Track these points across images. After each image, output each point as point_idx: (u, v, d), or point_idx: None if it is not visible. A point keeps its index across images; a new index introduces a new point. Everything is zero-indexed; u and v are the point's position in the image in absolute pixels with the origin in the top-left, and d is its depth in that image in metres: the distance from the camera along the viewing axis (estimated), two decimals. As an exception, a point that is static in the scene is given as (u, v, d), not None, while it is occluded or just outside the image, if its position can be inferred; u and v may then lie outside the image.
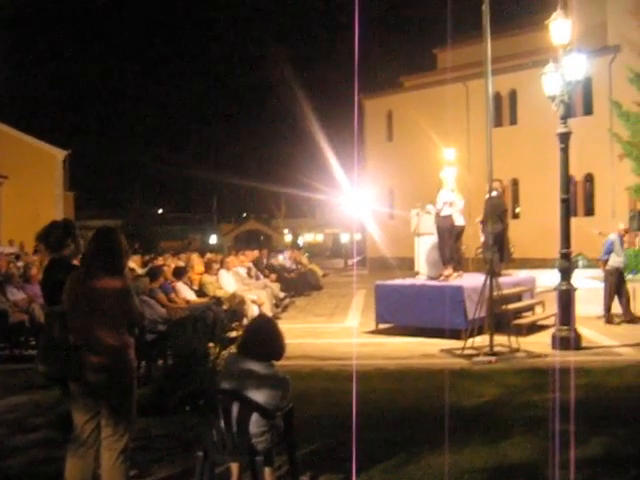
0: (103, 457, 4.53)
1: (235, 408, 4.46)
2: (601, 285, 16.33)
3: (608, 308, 13.97)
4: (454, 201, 13.17)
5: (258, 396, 4.48)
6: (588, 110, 28.57)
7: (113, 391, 4.48)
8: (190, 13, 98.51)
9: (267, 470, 4.53)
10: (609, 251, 14.07)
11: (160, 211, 65.45)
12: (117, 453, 4.51)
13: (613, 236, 14.29)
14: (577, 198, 28.91)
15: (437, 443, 6.00)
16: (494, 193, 12.79)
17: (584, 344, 11.12)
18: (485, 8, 10.72)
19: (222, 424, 4.49)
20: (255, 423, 4.47)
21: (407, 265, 24.18)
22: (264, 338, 4.66)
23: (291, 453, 4.89)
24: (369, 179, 36.02)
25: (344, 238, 50.08)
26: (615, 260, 13.99)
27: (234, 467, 4.86)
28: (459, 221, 13.46)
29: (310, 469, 5.48)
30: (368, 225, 35.44)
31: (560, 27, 10.80)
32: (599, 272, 18.66)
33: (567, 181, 11.23)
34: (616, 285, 13.97)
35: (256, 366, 4.57)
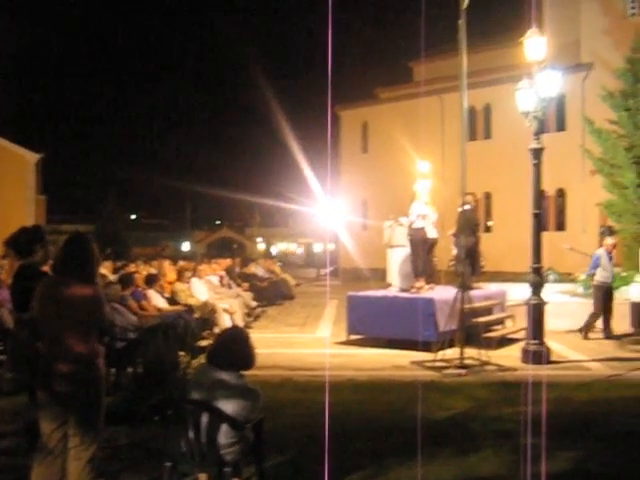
0: (70, 467, 4.47)
1: (204, 419, 4.43)
2: (571, 299, 16.54)
3: (588, 323, 13.97)
4: (427, 214, 13.21)
5: (228, 407, 4.46)
6: (561, 126, 28.92)
7: (81, 400, 4.43)
8: (168, 22, 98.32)
9: (234, 481, 4.52)
10: (596, 266, 14.08)
11: (133, 217, 65.17)
12: (84, 463, 4.45)
13: (600, 251, 14.31)
14: (549, 213, 29.20)
15: (406, 456, 6.01)
16: (467, 207, 12.88)
17: (553, 358, 11.20)
18: (461, 23, 10.83)
19: (191, 434, 4.46)
20: (224, 434, 4.44)
21: (380, 276, 24.25)
22: (234, 348, 4.64)
23: (260, 465, 4.86)
24: (343, 190, 36.11)
25: (317, 248, 50.13)
26: (601, 275, 14.00)
27: (202, 478, 4.82)
28: (432, 234, 13.50)
29: (279, 480, 5.47)
30: (341, 235, 35.50)
31: (535, 44, 10.92)
32: (569, 286, 18.91)
33: (539, 196, 11.34)
34: (602, 300, 14.01)
35: (226, 376, 4.55)
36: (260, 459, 4.84)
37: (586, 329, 13.91)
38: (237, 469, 4.53)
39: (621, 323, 14.76)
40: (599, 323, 14.33)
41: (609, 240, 14.83)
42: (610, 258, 14.20)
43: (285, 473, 5.69)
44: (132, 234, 54.93)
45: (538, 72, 10.99)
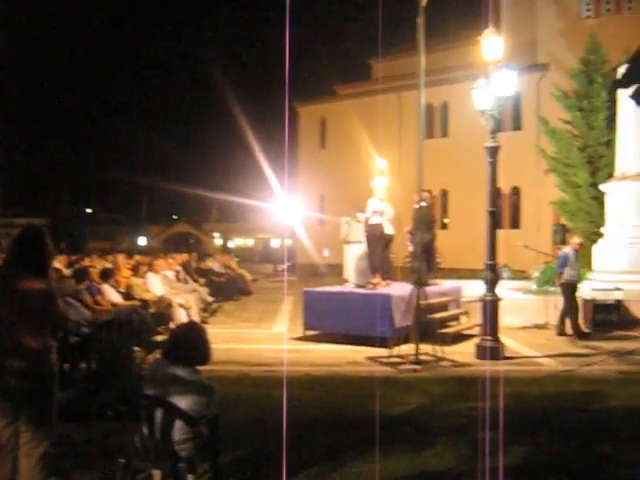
0: (22, 464, 4.40)
1: (159, 414, 4.40)
2: (524, 296, 16.78)
3: (562, 321, 14.06)
4: (384, 210, 13.29)
5: (182, 402, 4.44)
6: (517, 125, 29.30)
7: (33, 396, 4.36)
8: (123, 12, 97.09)
9: (189, 477, 4.49)
10: (564, 264, 14.14)
11: (89, 211, 64.36)
12: (36, 459, 4.39)
13: (568, 250, 14.37)
14: (504, 211, 29.57)
15: (362, 451, 6.05)
16: (423, 203, 12.97)
17: (507, 354, 11.34)
18: (420, 21, 10.89)
19: (145, 430, 4.43)
20: (179, 430, 4.42)
21: (337, 272, 24.31)
22: (191, 343, 4.61)
23: (215, 461, 4.84)
24: (301, 185, 36.16)
25: (275, 243, 50.09)
26: (569, 273, 14.06)
27: (156, 474, 4.79)
28: (388, 230, 13.59)
29: (234, 476, 5.45)
30: (299, 231, 35.52)
31: (491, 44, 11.02)
32: (523, 284, 19.16)
33: (495, 194, 11.46)
34: (571, 298, 14.08)
35: (181, 372, 4.52)
36: (215, 455, 4.83)
37: (560, 328, 14.00)
38: (192, 465, 4.51)
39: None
40: (553, 320, 14.58)
41: (576, 239, 14.90)
42: (577, 257, 14.30)
43: (241, 469, 5.68)
44: (87, 228, 54.33)
45: (494, 71, 11.11)
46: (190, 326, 5.04)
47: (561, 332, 13.98)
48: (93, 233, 55.29)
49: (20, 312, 4.35)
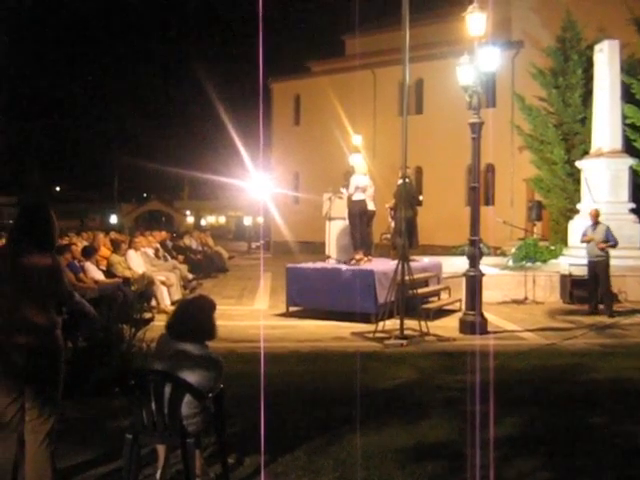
0: (27, 440, 4.35)
1: (167, 389, 4.37)
2: (501, 272, 16.94)
3: (599, 299, 13.64)
4: (367, 186, 13.30)
5: (191, 377, 4.42)
6: (492, 103, 29.33)
7: (40, 372, 4.32)
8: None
9: (197, 452, 4.50)
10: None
11: (58, 189, 63.65)
12: (43, 436, 4.34)
13: (605, 224, 13.83)
14: (479, 188, 29.64)
15: (357, 424, 6.09)
16: (407, 180, 13.01)
17: (489, 329, 11.47)
18: (404, -3, 10.83)
19: (153, 406, 4.41)
20: (187, 405, 4.41)
21: (312, 249, 24.33)
22: (200, 319, 4.60)
23: (221, 435, 4.86)
24: (275, 162, 36.03)
25: (247, 221, 49.88)
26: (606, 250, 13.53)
27: (160, 449, 4.79)
28: (370, 206, 13.62)
29: (234, 451, 5.47)
30: (272, 208, 35.41)
31: (476, 20, 11.06)
32: (498, 260, 19.34)
33: (478, 170, 11.54)
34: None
35: (190, 347, 4.51)
36: (221, 429, 4.84)
37: (607, 307, 13.37)
38: (198, 440, 4.51)
39: (550, 294, 15.28)
40: (532, 295, 14.72)
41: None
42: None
43: (240, 443, 5.69)
44: (57, 207, 53.81)
45: (478, 47, 11.13)
46: (201, 300, 4.96)
47: (593, 310, 13.48)
48: (62, 212, 54.67)
49: (26, 288, 4.29)
